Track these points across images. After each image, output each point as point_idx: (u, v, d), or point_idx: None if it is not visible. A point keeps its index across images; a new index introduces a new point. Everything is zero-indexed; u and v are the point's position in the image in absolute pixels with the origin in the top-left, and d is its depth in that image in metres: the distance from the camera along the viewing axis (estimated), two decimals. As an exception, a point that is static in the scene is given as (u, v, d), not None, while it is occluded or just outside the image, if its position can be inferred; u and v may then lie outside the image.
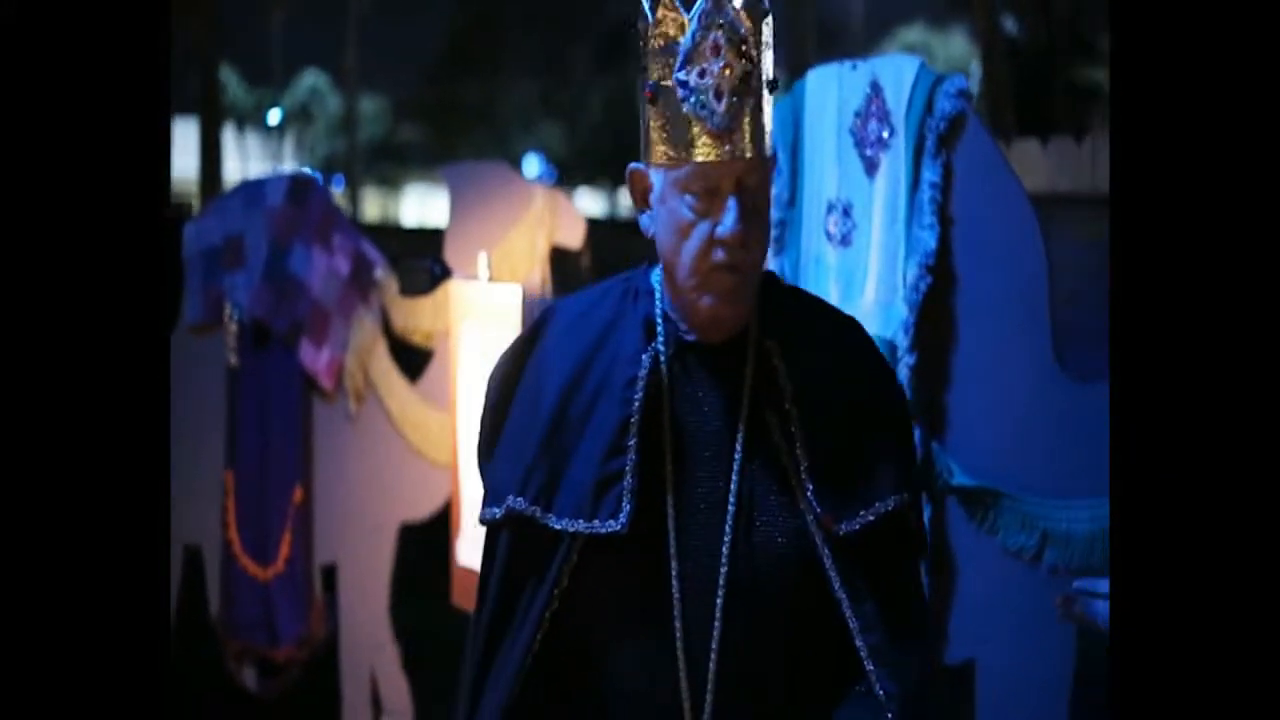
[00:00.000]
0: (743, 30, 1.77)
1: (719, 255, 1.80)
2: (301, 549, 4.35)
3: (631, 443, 1.86)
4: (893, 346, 2.85)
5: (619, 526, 1.84)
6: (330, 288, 4.23)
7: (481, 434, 2.00)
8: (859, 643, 1.83)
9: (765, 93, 1.80)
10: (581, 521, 1.85)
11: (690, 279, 1.83)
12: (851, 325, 1.99)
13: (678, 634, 1.85)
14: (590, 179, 38.65)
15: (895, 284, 2.87)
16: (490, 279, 3.63)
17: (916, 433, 2.51)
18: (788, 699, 1.89)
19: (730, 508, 1.85)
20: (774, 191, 3.01)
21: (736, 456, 1.85)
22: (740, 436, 1.85)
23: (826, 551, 1.83)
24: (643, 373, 1.87)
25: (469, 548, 3.65)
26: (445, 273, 3.82)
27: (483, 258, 3.63)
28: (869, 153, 2.92)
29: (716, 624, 1.84)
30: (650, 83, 1.81)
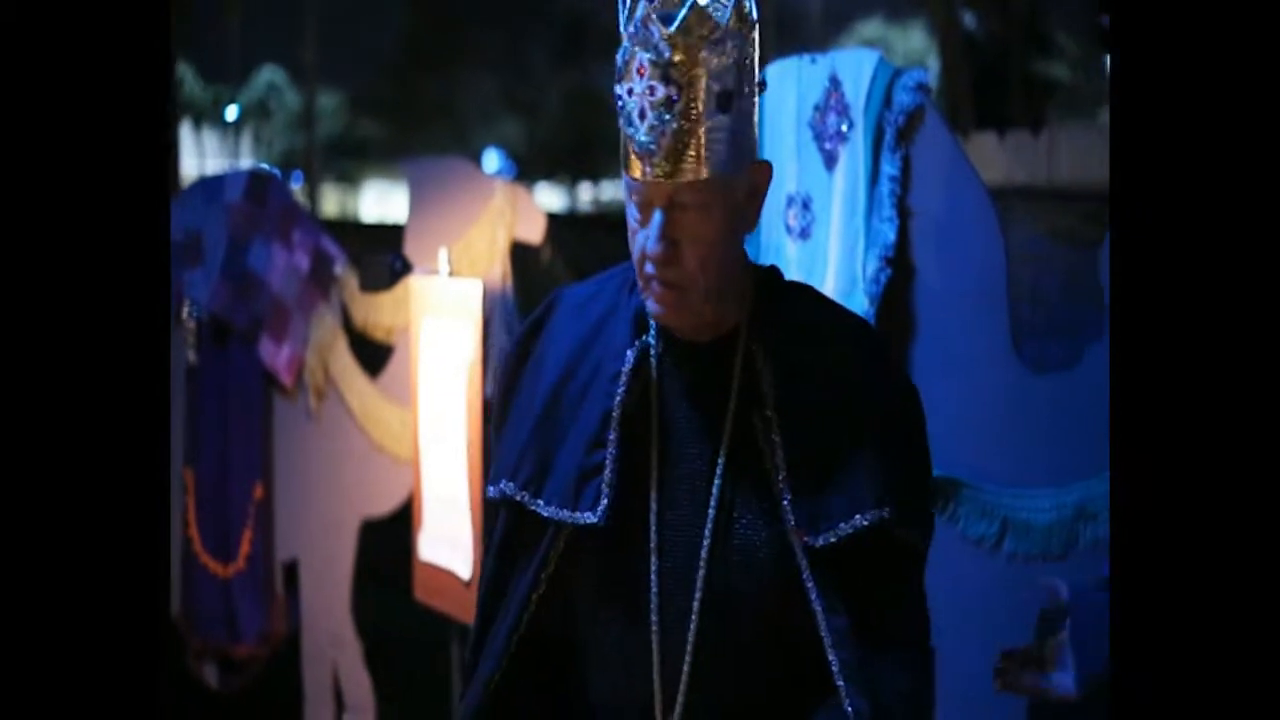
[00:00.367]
0: (667, 55, 1.75)
1: (649, 268, 1.82)
2: (262, 546, 4.33)
3: (612, 436, 1.87)
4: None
5: (595, 519, 1.85)
6: (290, 284, 4.21)
7: (493, 412, 2.05)
8: (830, 657, 1.80)
9: (719, 114, 1.77)
10: (566, 511, 1.87)
11: (639, 283, 1.85)
12: (857, 329, 1.94)
13: (654, 629, 1.86)
14: (550, 174, 38.60)
15: (855, 276, 2.89)
16: (450, 274, 3.62)
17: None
18: (761, 706, 1.88)
19: (711, 510, 1.85)
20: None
21: (720, 458, 1.85)
22: (725, 438, 1.85)
23: (804, 562, 1.81)
24: (627, 367, 1.88)
25: (430, 543, 3.65)
26: (405, 268, 3.81)
27: (443, 253, 3.63)
28: (828, 146, 2.93)
29: (692, 623, 1.84)
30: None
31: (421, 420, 3.66)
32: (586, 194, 39.49)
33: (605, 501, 1.85)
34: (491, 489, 1.96)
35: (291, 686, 4.39)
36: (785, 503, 1.81)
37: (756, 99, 1.83)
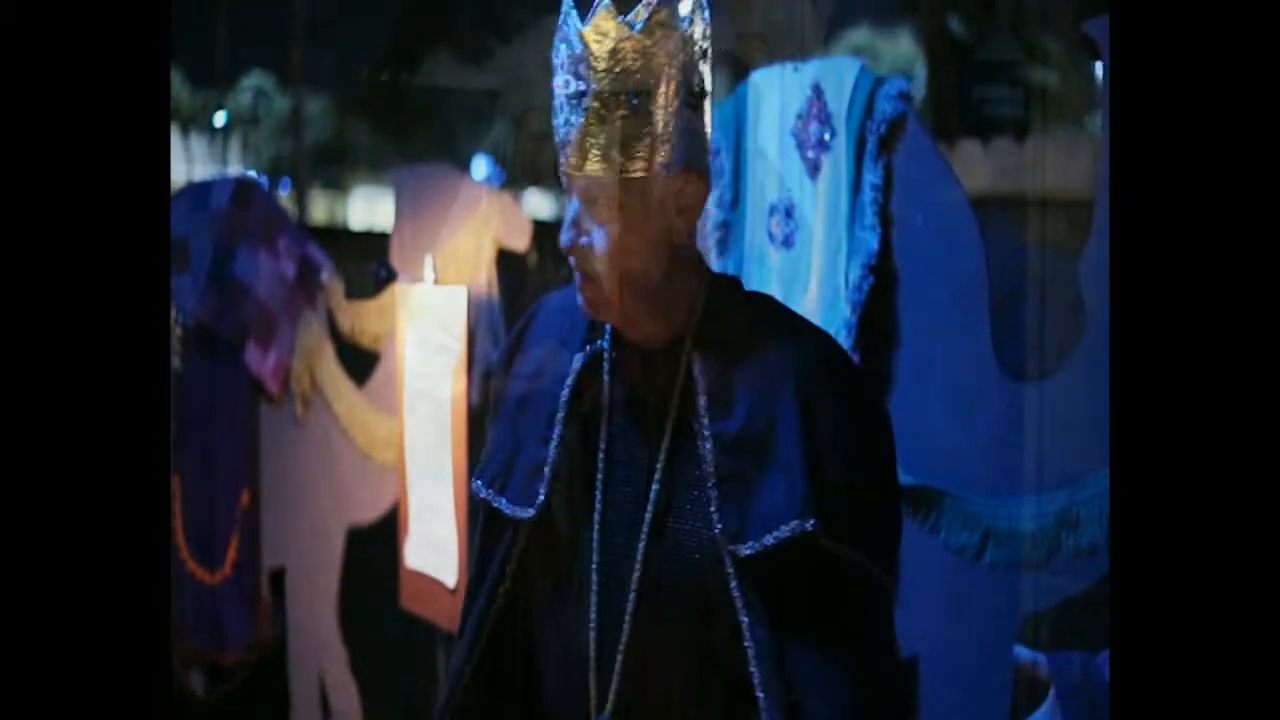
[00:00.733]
0: (579, 50, 1.78)
1: (570, 259, 1.87)
2: (249, 553, 4.34)
3: (554, 435, 1.91)
4: (836, 346, 2.87)
5: (529, 515, 1.90)
6: (276, 291, 4.22)
7: (488, 418, 2.11)
8: (751, 669, 1.80)
9: (630, 115, 1.79)
10: (517, 508, 1.92)
11: None
12: (812, 341, 1.94)
13: (592, 626, 1.88)
14: (537, 180, 38.55)
15: (838, 284, 2.90)
16: (436, 281, 3.63)
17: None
18: (690, 713, 1.89)
19: (648, 514, 1.87)
20: (717, 194, 3.03)
21: (659, 462, 1.87)
22: (665, 443, 1.87)
23: (732, 571, 1.82)
24: (575, 368, 1.92)
25: (416, 551, 3.65)
26: (390, 275, 3.82)
27: (428, 260, 3.64)
28: (811, 155, 2.94)
29: (626, 622, 1.87)
30: None
31: (407, 428, 3.66)
32: (576, 199, 39.38)
33: (540, 498, 1.90)
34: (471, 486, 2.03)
35: (278, 694, 4.39)
36: (713, 510, 1.82)
37: (690, 108, 1.84)
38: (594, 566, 1.88)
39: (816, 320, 2.86)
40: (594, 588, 1.88)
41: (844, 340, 2.87)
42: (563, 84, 1.81)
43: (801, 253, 2.97)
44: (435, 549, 3.56)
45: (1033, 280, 2.84)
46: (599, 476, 1.90)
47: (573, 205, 1.84)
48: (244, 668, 4.43)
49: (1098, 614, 2.48)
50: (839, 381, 1.92)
